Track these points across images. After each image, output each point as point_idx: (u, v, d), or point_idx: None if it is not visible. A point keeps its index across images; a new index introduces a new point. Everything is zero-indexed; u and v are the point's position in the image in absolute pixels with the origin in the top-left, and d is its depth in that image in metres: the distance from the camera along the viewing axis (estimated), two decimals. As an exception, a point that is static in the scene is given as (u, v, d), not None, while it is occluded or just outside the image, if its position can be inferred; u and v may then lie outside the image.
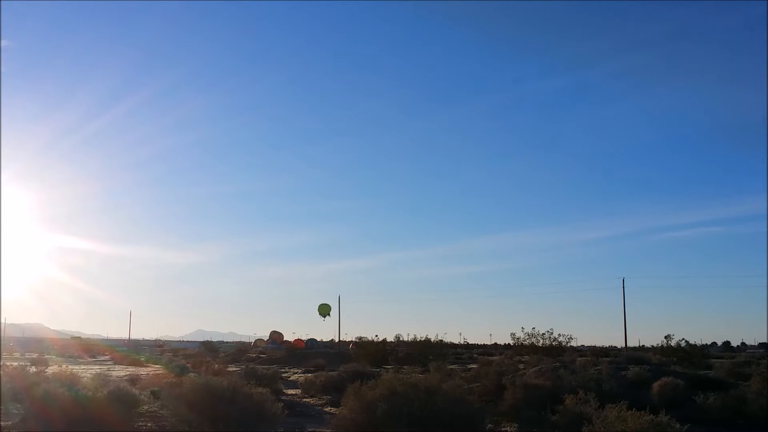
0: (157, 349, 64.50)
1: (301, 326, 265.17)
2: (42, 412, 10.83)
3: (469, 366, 32.13)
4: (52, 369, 23.18)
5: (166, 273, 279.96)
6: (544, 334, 38.83)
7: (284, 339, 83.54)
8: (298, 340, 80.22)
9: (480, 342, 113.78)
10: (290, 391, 19.83)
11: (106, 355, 50.72)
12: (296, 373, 29.52)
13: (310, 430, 12.49)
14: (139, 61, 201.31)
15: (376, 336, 44.78)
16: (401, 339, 42.86)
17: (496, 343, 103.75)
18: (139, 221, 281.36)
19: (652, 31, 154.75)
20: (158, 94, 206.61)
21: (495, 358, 40.20)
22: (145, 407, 13.42)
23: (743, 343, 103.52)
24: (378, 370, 23.14)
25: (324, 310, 69.20)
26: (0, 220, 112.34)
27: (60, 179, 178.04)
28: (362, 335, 49.20)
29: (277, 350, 63.09)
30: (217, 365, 28.89)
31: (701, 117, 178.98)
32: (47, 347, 64.20)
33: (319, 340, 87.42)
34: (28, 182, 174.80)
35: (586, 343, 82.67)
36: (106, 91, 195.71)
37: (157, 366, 33.31)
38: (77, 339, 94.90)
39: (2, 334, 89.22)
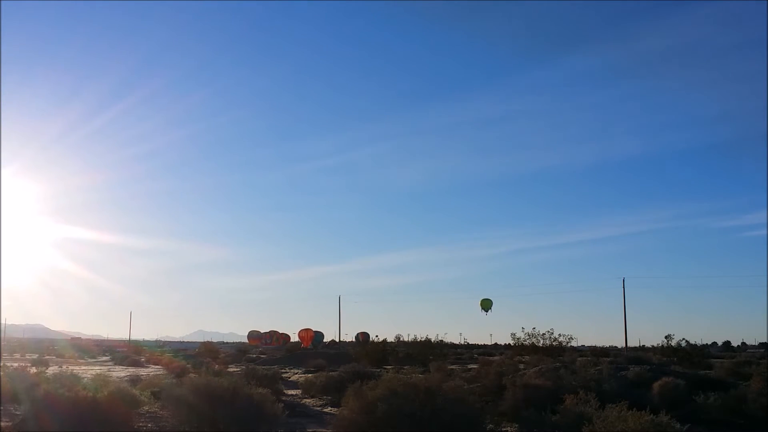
0: (159, 349, 65.36)
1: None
2: (42, 413, 10.82)
3: (469, 366, 32.16)
4: (52, 369, 23.21)
5: (168, 267, 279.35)
6: (544, 334, 38.77)
7: (279, 333, 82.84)
8: (306, 330, 78.93)
9: (480, 342, 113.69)
10: (290, 392, 19.82)
11: (110, 353, 51.32)
12: (296, 373, 29.53)
13: (310, 430, 12.49)
14: (144, 55, 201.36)
15: (377, 336, 44.89)
16: (401, 339, 42.89)
17: (496, 344, 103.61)
18: (143, 214, 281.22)
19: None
20: (162, 88, 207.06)
21: (495, 358, 40.20)
22: (146, 408, 13.43)
23: (743, 343, 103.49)
24: (378, 370, 23.15)
25: (486, 305, 71.86)
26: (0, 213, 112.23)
27: (67, 172, 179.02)
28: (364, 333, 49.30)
29: (278, 350, 63.10)
30: (217, 366, 28.93)
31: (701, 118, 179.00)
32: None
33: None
34: (35, 175, 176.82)
35: (587, 343, 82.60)
36: (113, 84, 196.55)
37: (157, 366, 33.40)
38: (78, 339, 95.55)
39: (2, 335, 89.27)
